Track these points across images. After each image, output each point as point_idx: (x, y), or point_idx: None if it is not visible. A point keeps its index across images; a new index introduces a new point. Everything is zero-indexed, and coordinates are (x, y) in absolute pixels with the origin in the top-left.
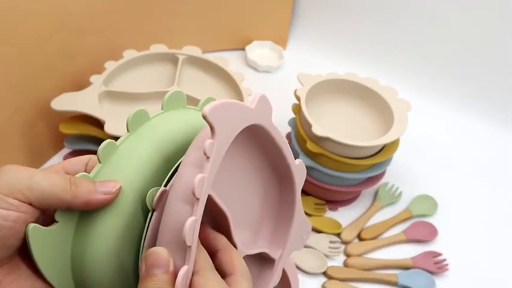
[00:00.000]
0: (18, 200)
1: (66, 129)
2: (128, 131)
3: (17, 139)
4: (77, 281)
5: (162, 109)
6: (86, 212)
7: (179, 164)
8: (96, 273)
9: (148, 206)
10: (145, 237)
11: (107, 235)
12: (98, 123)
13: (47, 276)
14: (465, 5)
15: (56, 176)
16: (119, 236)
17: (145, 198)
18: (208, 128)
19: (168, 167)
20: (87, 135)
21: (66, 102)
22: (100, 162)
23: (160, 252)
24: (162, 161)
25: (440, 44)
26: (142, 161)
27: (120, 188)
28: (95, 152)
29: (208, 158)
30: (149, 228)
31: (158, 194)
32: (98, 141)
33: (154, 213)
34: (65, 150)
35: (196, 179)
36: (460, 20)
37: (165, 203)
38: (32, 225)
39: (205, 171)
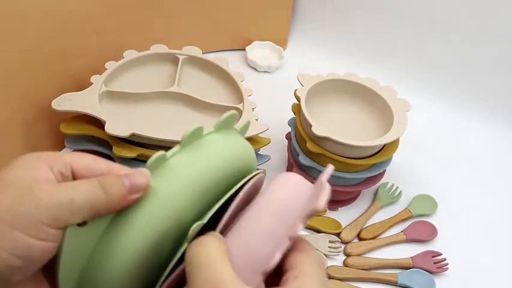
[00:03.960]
0: (59, 229)
1: (67, 130)
2: (181, 145)
3: (18, 139)
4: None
5: (214, 128)
6: (117, 217)
7: (228, 199)
8: (111, 284)
9: (188, 238)
10: (172, 267)
11: (135, 247)
12: (99, 123)
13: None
14: (465, 4)
15: (91, 188)
16: (145, 253)
17: (182, 220)
18: (287, 195)
19: (210, 194)
20: (88, 136)
21: (66, 103)
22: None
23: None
24: (209, 185)
25: (440, 44)
26: (191, 180)
27: (148, 183)
28: (96, 152)
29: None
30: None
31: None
32: (99, 141)
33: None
34: (66, 151)
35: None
36: (460, 19)
37: None
38: (70, 228)
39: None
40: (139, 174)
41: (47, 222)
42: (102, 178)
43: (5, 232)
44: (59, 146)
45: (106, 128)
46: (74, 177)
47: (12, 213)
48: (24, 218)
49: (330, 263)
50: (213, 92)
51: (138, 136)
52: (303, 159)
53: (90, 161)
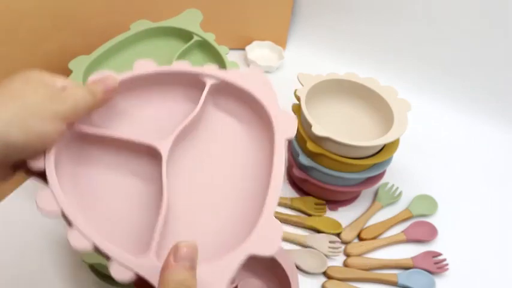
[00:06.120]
0: (64, 122)
1: None
2: None
3: None
4: None
5: None
6: None
7: None
8: None
9: None
10: None
11: None
12: None
13: None
14: (465, 5)
15: (86, 95)
16: None
17: None
18: None
19: None
20: None
21: None
22: None
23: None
24: None
25: (440, 44)
26: None
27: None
28: None
29: None
30: None
31: None
32: None
33: None
34: None
35: None
36: (460, 20)
37: None
38: None
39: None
40: (111, 79)
41: (60, 116)
42: (89, 85)
43: (27, 119)
44: None
45: None
46: None
47: (39, 108)
48: (45, 112)
49: (330, 263)
50: None
51: None
52: (303, 159)
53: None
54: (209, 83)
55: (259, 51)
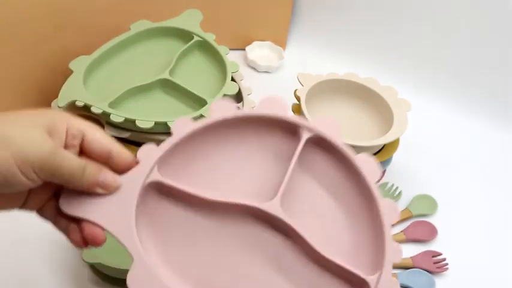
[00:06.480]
0: (40, 178)
1: None
2: None
3: None
4: None
5: None
6: None
7: None
8: None
9: None
10: None
11: None
12: (98, 124)
13: None
14: (466, 5)
15: (76, 167)
16: None
17: None
18: None
19: None
20: None
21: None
22: None
23: None
24: None
25: (440, 44)
26: None
27: (114, 189)
28: None
29: None
30: None
31: None
32: None
33: None
34: None
35: None
36: (461, 20)
37: None
38: None
39: None
40: (112, 180)
41: (37, 169)
42: (88, 164)
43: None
44: None
45: (106, 128)
46: (82, 143)
47: (19, 151)
48: (25, 157)
49: None
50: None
51: (138, 136)
52: None
53: (99, 135)
54: (305, 136)
55: (259, 51)
